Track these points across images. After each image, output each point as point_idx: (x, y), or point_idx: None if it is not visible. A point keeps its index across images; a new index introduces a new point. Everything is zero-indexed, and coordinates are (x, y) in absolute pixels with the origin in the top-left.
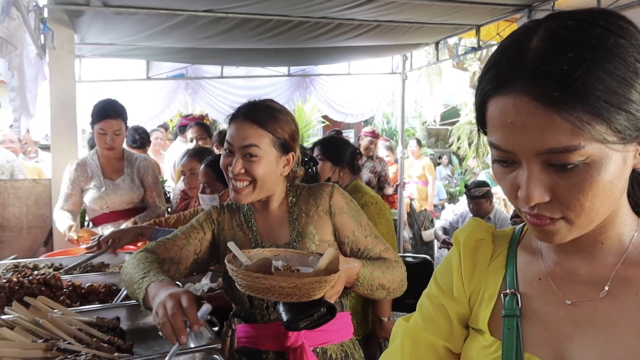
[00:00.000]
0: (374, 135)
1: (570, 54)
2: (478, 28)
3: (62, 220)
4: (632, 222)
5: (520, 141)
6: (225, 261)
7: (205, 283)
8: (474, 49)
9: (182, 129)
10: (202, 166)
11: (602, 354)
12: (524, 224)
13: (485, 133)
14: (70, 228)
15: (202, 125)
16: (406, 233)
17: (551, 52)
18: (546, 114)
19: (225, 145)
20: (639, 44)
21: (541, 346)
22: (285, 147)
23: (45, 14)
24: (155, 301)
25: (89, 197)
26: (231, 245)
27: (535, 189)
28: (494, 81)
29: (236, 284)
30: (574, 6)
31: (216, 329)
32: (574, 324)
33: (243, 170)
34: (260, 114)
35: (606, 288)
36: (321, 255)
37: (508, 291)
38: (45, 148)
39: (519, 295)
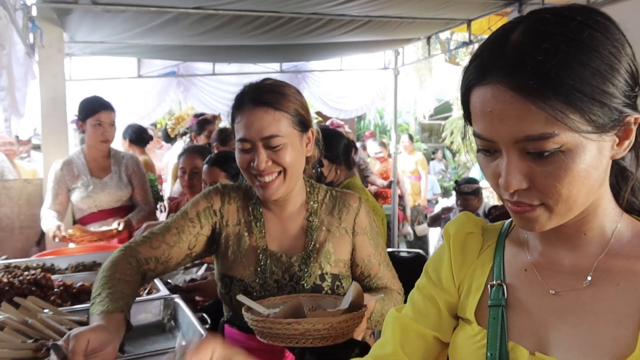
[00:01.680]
0: (339, 126)
1: (546, 45)
2: (469, 22)
3: (48, 220)
4: (614, 214)
5: (499, 130)
6: (244, 311)
7: (199, 275)
8: (465, 44)
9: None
10: (206, 166)
11: (583, 341)
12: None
13: (471, 124)
14: (58, 228)
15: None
16: (409, 228)
17: (528, 44)
18: (522, 103)
19: (240, 143)
20: (615, 39)
21: (525, 335)
22: (303, 123)
23: (34, 13)
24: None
25: (77, 196)
26: (242, 298)
27: (514, 176)
28: (476, 72)
29: (261, 336)
30: (564, 0)
31: (207, 326)
32: (557, 313)
33: (270, 163)
34: (268, 95)
35: (589, 278)
36: (333, 295)
37: (495, 282)
38: (37, 147)
39: (505, 286)
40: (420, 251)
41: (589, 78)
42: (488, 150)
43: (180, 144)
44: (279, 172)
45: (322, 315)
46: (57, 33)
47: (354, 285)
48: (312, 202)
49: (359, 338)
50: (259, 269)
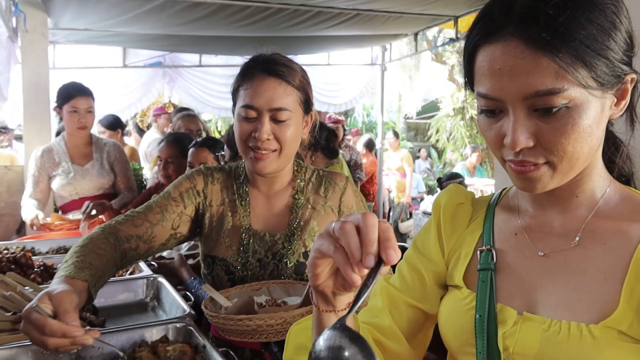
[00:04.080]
0: (338, 121)
1: (556, 0)
2: (456, 19)
3: (28, 209)
4: (605, 178)
5: (508, 87)
6: (202, 307)
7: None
8: (452, 40)
9: (153, 119)
10: (192, 149)
11: (570, 299)
12: (502, 190)
13: (472, 90)
14: (36, 216)
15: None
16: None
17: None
18: (533, 57)
19: (244, 110)
20: (616, 0)
21: (514, 296)
22: (307, 104)
23: None
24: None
25: (57, 183)
26: (207, 287)
27: (521, 134)
28: (484, 30)
29: (219, 330)
30: None
31: (190, 303)
32: (546, 274)
33: (271, 136)
34: (281, 67)
35: (577, 239)
36: (304, 282)
37: (484, 247)
38: (19, 138)
39: (494, 251)
40: (405, 245)
41: (595, 34)
42: (493, 110)
43: (152, 134)
44: (274, 150)
45: (273, 310)
46: (41, 17)
47: None
48: (298, 181)
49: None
50: (241, 248)
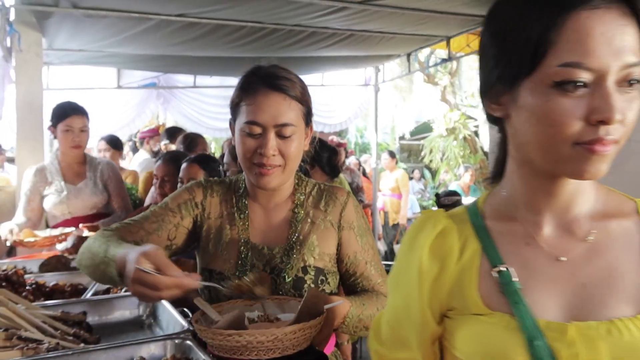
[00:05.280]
0: (340, 144)
1: None
2: (448, 40)
3: (5, 225)
4: None
5: (607, 55)
6: (193, 321)
7: None
8: (444, 60)
9: (142, 141)
10: (185, 164)
11: (609, 297)
12: (475, 202)
13: (532, 69)
14: (10, 231)
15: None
16: (381, 246)
17: None
18: (630, 27)
19: (248, 127)
20: None
21: (550, 309)
22: (309, 116)
23: (12, 16)
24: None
25: (49, 202)
26: (198, 301)
27: (617, 105)
28: None
29: (208, 346)
30: None
31: (189, 319)
32: (573, 277)
33: (277, 152)
34: (283, 81)
35: (590, 238)
36: (299, 299)
37: (499, 267)
38: (12, 160)
39: (510, 269)
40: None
41: None
42: (577, 83)
43: (142, 154)
44: (279, 165)
45: (265, 326)
46: (35, 37)
47: (310, 290)
48: (299, 194)
49: (323, 346)
50: (239, 261)
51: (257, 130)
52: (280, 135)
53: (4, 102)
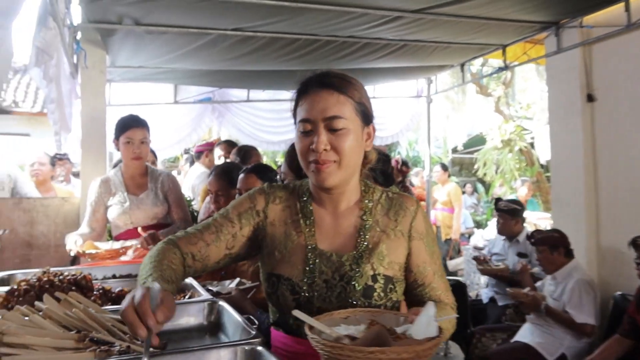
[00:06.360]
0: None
1: None
2: (504, 48)
3: (70, 237)
4: None
5: None
6: (307, 331)
7: (231, 287)
8: (500, 69)
9: (199, 155)
10: (242, 175)
11: None
12: None
13: None
14: (74, 242)
15: (229, 142)
16: None
17: None
18: None
19: (301, 125)
20: None
21: None
22: (366, 115)
23: (79, 36)
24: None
25: (113, 213)
26: (297, 313)
27: None
28: None
29: None
30: (602, 22)
31: (255, 326)
32: None
33: (329, 147)
34: (334, 79)
35: None
36: (392, 312)
37: None
38: (77, 175)
39: None
40: (460, 278)
41: None
42: None
43: (198, 168)
44: (334, 161)
45: (406, 343)
46: (100, 55)
47: (429, 305)
48: (366, 201)
49: None
50: (307, 268)
51: (309, 127)
52: (331, 129)
53: (72, 117)
